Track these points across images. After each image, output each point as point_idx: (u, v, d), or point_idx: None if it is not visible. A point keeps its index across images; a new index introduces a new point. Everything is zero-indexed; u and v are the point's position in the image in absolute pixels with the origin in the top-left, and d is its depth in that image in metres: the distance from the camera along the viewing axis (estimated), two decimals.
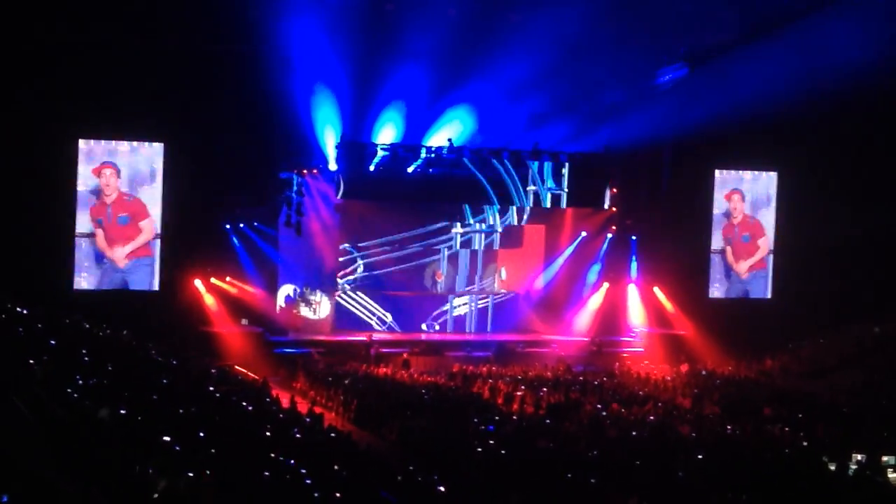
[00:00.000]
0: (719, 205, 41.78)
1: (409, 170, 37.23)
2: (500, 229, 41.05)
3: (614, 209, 40.51)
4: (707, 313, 39.60)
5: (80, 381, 17.85)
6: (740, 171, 42.02)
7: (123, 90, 32.56)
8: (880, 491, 17.52)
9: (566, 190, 39.41)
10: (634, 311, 40.77)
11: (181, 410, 17.76)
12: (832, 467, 18.89)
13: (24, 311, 26.45)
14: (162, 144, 34.93)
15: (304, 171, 36.35)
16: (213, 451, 14.63)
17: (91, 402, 15.97)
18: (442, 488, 15.35)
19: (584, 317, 40.39)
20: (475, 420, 22.94)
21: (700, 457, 18.98)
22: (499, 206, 39.87)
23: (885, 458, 18.92)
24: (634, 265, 41.16)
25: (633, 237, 40.88)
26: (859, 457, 19.05)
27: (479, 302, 41.55)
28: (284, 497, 13.09)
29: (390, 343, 37.37)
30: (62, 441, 12.79)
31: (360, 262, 39.50)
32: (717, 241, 41.72)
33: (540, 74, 35.02)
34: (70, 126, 33.34)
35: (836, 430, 22.68)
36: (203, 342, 33.50)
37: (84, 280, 34.39)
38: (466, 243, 40.81)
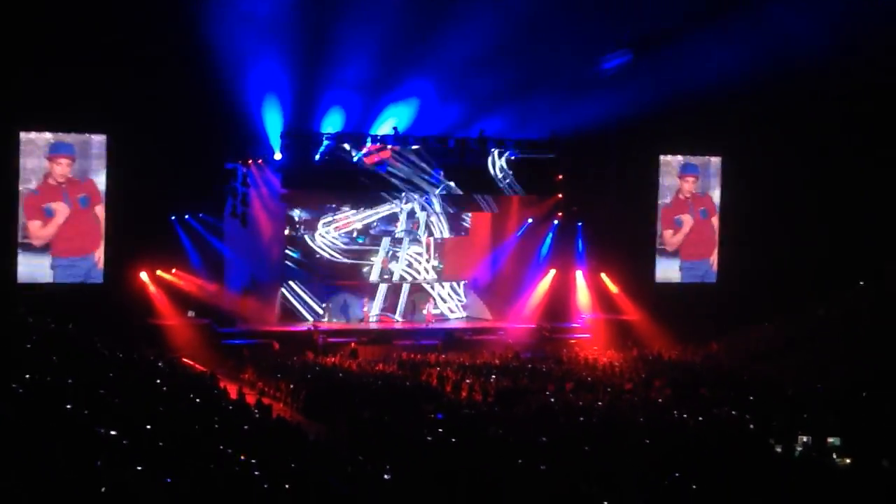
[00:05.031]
0: (666, 191, 42.12)
1: (355, 159, 37.14)
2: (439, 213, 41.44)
3: (560, 196, 40.57)
4: (654, 298, 39.89)
5: (26, 377, 17.67)
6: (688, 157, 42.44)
7: (66, 82, 32.18)
8: (826, 472, 17.67)
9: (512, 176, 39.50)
10: (582, 298, 40.94)
11: (128, 404, 17.61)
12: (778, 449, 19.04)
13: None
14: (105, 136, 34.65)
15: (250, 162, 36.21)
16: (160, 444, 14.53)
17: (37, 397, 15.83)
18: (390, 476, 15.33)
19: (532, 304, 40.49)
20: (424, 408, 22.93)
21: (648, 441, 19.07)
22: (443, 194, 39.94)
23: (830, 440, 19.07)
24: (581, 251, 41.30)
25: (580, 223, 41.00)
26: (805, 438, 19.19)
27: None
28: (233, 489, 13.02)
29: (338, 332, 37.34)
30: (7, 437, 12.66)
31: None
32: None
33: (484, 62, 35.01)
34: (12, 118, 32.98)
35: (781, 412, 22.85)
36: (149, 334, 33.31)
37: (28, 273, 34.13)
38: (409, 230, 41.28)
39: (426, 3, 33.94)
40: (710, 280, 42.59)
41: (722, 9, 34.03)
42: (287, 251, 39.67)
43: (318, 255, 40.19)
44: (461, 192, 39.61)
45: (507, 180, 39.10)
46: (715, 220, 42.60)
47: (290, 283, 39.64)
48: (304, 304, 39.79)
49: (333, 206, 40.25)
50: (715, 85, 34.76)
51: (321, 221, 40.16)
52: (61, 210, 34.35)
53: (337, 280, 40.44)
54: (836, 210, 39.70)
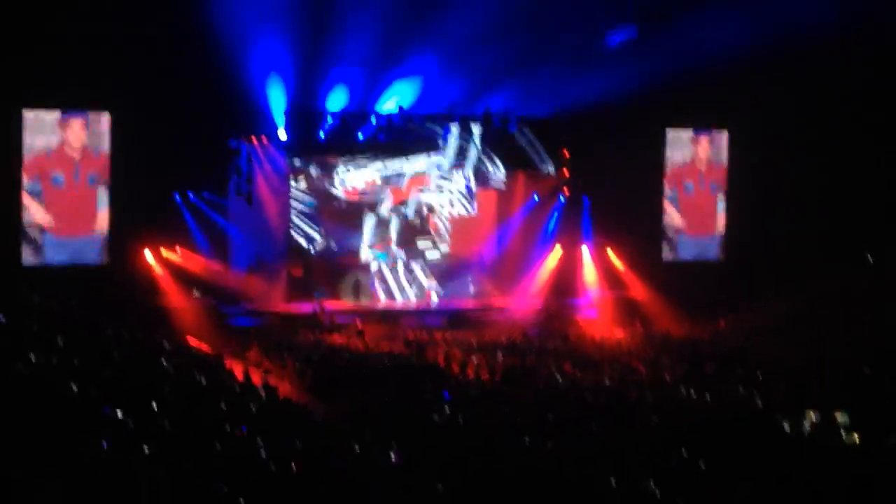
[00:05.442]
0: (675, 163, 41.95)
1: (360, 136, 37.05)
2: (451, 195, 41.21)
3: (566, 172, 40.45)
4: (660, 275, 39.76)
5: (31, 358, 17.63)
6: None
7: (68, 59, 32.00)
8: (834, 449, 17.62)
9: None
10: (588, 275, 40.83)
11: (134, 385, 17.57)
12: (786, 427, 18.96)
13: None
14: (108, 114, 34.53)
15: (254, 140, 36.10)
16: (166, 425, 14.49)
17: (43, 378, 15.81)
18: (396, 456, 15.27)
19: (539, 281, 40.38)
20: (431, 388, 22.87)
21: (655, 419, 19.01)
22: (450, 170, 39.84)
23: (838, 416, 18.98)
24: (587, 228, 41.17)
25: (586, 199, 40.86)
26: (813, 415, 19.10)
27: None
28: (240, 470, 12.97)
29: (344, 311, 37.27)
30: (12, 419, 12.62)
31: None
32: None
33: (489, 38, 34.80)
34: (14, 96, 32.84)
35: (789, 389, 22.78)
36: (154, 315, 33.19)
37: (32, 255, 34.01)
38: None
39: None
40: (710, 257, 42.45)
41: None
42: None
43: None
44: (467, 168, 39.54)
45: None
46: (720, 199, 42.51)
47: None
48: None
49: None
50: (722, 58, 34.47)
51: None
52: (65, 184, 34.19)
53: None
54: (843, 185, 39.52)
